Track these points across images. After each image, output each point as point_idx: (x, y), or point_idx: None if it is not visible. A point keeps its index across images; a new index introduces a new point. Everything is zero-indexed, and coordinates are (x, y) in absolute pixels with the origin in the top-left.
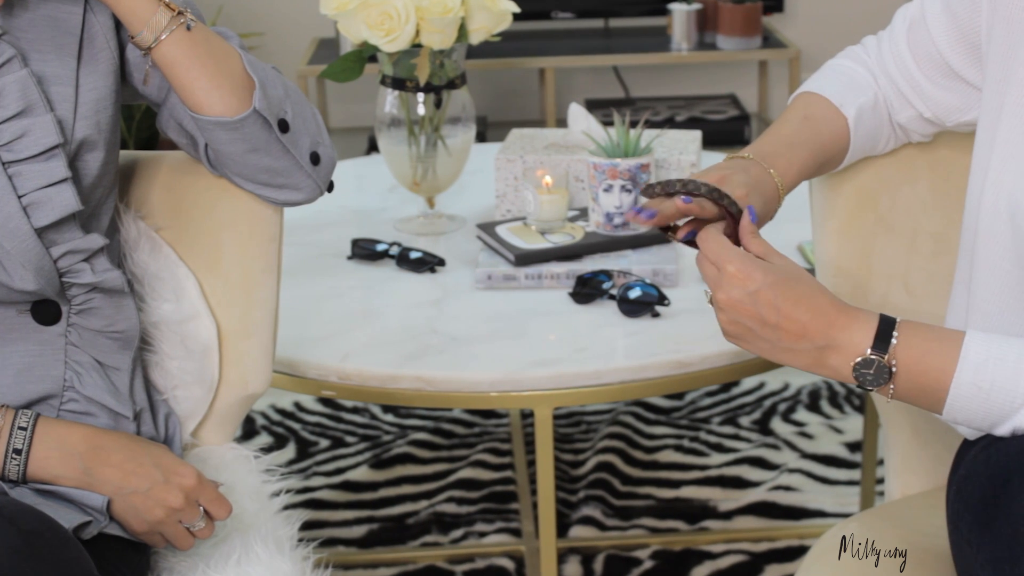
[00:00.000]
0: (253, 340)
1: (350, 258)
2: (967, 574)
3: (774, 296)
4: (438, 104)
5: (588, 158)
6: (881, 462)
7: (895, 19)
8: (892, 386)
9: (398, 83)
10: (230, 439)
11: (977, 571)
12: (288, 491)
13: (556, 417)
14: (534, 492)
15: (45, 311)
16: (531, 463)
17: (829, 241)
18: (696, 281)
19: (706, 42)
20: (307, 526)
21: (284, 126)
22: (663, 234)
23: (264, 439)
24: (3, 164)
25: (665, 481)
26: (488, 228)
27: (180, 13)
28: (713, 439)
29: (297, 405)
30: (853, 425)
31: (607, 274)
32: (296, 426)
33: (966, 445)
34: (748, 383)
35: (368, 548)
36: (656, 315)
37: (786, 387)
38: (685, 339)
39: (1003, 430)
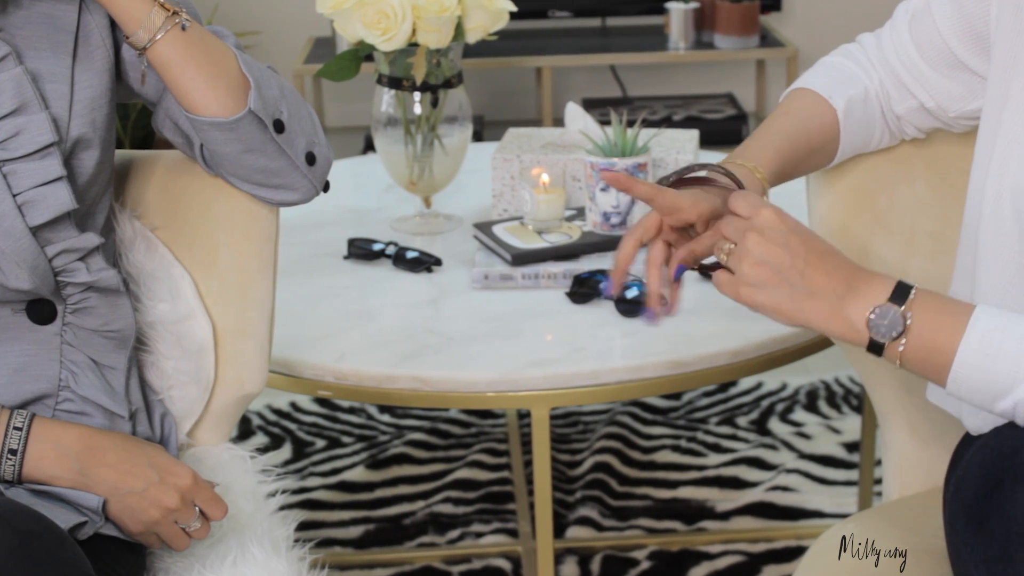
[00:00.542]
0: (249, 340)
1: (346, 258)
2: (963, 575)
3: (803, 243)
4: (435, 103)
5: (585, 157)
6: (879, 462)
7: (897, 12)
8: (904, 340)
9: (394, 82)
10: (226, 439)
11: (971, 571)
12: (284, 491)
13: (553, 417)
14: (531, 492)
15: (40, 310)
16: (528, 463)
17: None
18: (693, 281)
19: (703, 41)
20: (303, 526)
21: (279, 126)
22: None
23: (260, 439)
24: None
25: (662, 481)
26: (485, 228)
27: (175, 13)
28: (710, 439)
29: (293, 405)
30: (851, 425)
31: (604, 274)
32: (292, 426)
33: (963, 446)
34: (745, 383)
35: (364, 549)
36: None
37: (784, 387)
38: (682, 339)
39: (1005, 404)
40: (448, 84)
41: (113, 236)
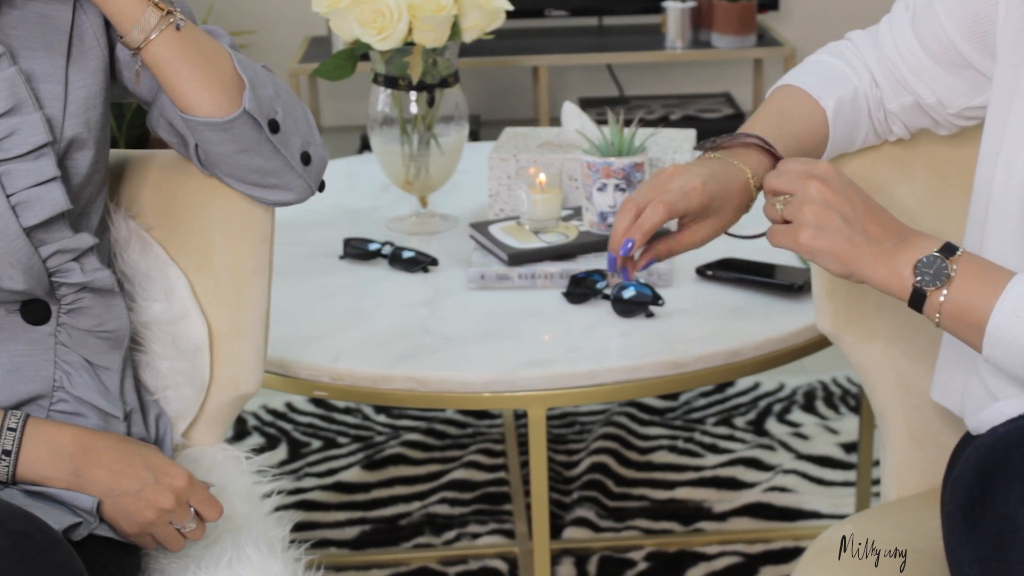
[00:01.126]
0: (244, 340)
1: (342, 258)
2: (959, 575)
3: (859, 195)
4: (431, 103)
5: (582, 157)
6: (876, 463)
7: (895, 8)
8: (945, 291)
9: (391, 81)
10: (221, 440)
11: (966, 570)
12: (280, 492)
13: (550, 418)
14: (527, 493)
15: (34, 311)
16: (524, 464)
17: None
18: (690, 281)
19: (700, 40)
20: (299, 527)
21: (274, 126)
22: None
23: (255, 440)
24: None
25: (659, 482)
26: (481, 227)
27: (169, 12)
28: (708, 440)
29: (289, 406)
30: (848, 426)
31: (601, 274)
32: (288, 427)
33: (960, 446)
34: (743, 383)
35: (360, 549)
36: (650, 315)
37: (781, 387)
38: (679, 339)
39: None
40: (444, 83)
41: (108, 236)
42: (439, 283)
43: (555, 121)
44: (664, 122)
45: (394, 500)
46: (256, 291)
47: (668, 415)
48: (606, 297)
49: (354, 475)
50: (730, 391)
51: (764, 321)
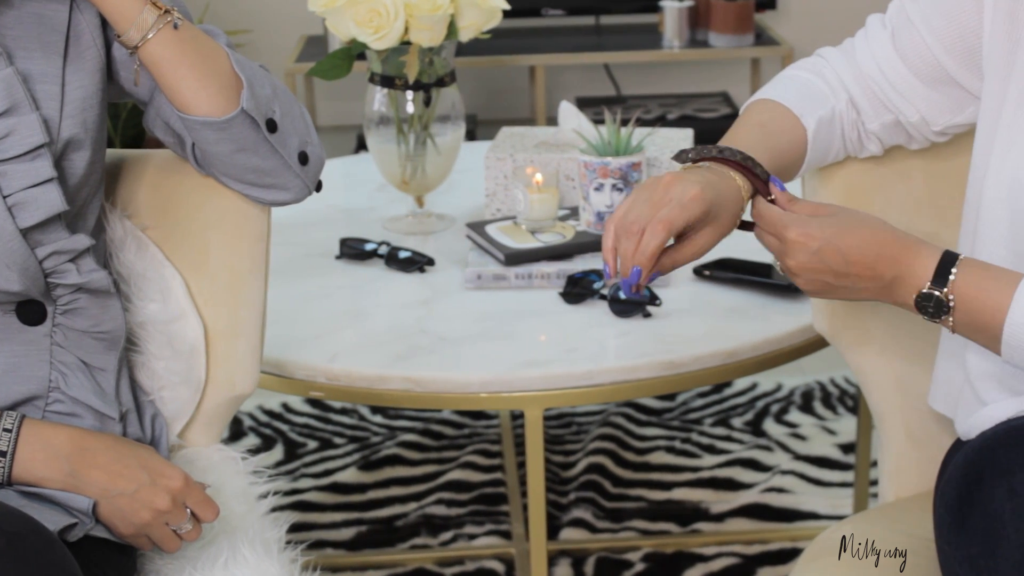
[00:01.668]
0: (240, 341)
1: (338, 258)
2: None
3: (837, 248)
4: (427, 102)
5: (579, 156)
6: (874, 464)
7: (870, 24)
8: (951, 319)
9: (387, 81)
10: (217, 440)
11: (957, 569)
12: (276, 493)
13: (546, 418)
14: (524, 494)
15: (30, 311)
16: (521, 465)
17: None
18: (687, 281)
19: (698, 39)
20: (295, 528)
21: (272, 126)
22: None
23: (252, 440)
24: None
25: (656, 483)
26: (478, 227)
27: (167, 12)
28: (705, 440)
29: (285, 406)
30: (846, 426)
31: (598, 274)
32: (284, 427)
33: (953, 450)
34: (740, 384)
35: (357, 550)
36: (647, 315)
37: (779, 388)
38: (676, 339)
39: None
40: (441, 83)
41: (104, 236)
42: (435, 283)
43: (552, 121)
44: (661, 122)
45: (390, 501)
46: (252, 291)
47: (665, 416)
48: (603, 297)
49: (350, 476)
50: (727, 392)
51: (762, 321)
